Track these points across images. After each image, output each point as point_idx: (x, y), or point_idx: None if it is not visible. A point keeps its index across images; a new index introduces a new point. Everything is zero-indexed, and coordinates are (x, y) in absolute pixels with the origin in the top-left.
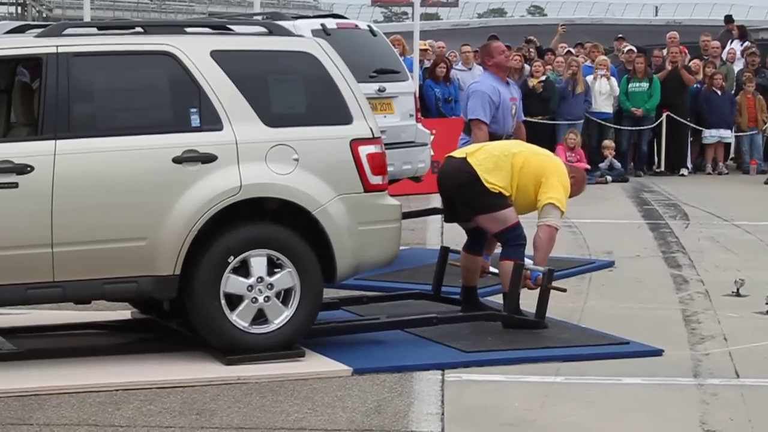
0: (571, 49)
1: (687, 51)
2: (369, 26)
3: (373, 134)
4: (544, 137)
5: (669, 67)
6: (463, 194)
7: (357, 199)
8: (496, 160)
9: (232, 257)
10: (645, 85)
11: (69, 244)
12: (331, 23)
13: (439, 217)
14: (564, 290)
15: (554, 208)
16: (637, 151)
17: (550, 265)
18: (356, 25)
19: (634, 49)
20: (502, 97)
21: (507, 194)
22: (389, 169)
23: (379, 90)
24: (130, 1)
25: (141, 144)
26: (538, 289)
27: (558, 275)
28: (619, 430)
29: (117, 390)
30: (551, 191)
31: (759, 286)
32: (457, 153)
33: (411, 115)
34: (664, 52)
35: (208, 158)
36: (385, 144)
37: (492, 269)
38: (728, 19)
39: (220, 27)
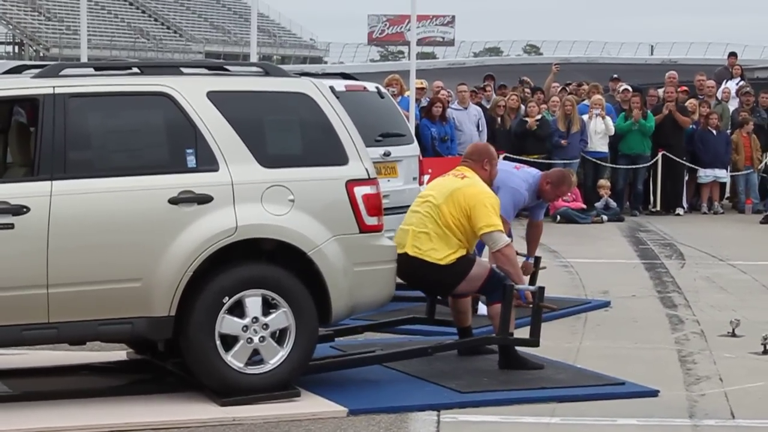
0: (566, 87)
1: (688, 90)
2: (377, 88)
3: (368, 175)
4: None
5: (665, 111)
6: (431, 283)
7: (352, 239)
8: (429, 235)
9: (227, 297)
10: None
11: (64, 285)
12: (339, 85)
13: None
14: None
15: (491, 234)
16: (633, 191)
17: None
18: (364, 87)
19: (629, 88)
20: (522, 201)
21: (464, 248)
22: (390, 234)
23: (385, 154)
24: (127, 41)
25: (137, 185)
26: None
27: (554, 315)
28: None
29: (112, 431)
30: (479, 221)
31: (754, 327)
32: (399, 249)
33: (414, 179)
34: (660, 91)
35: (204, 199)
36: (387, 209)
37: (483, 311)
38: (732, 54)
39: (217, 68)
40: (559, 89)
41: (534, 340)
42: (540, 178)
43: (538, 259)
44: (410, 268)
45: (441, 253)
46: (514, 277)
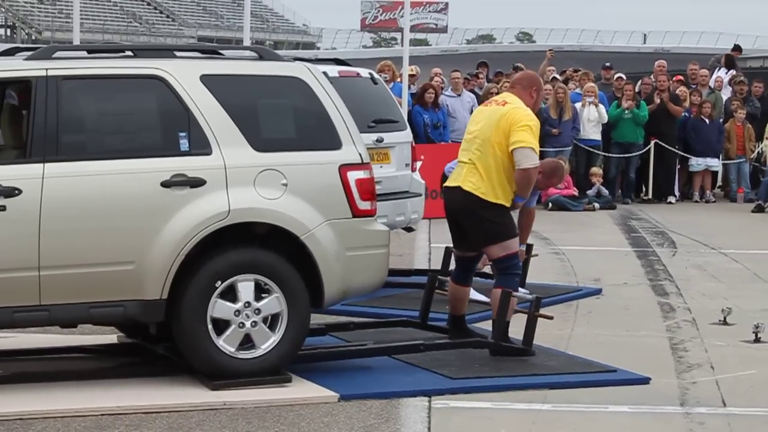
0: (557, 75)
1: (683, 80)
2: (370, 74)
3: (362, 159)
4: None
5: (657, 100)
6: (473, 223)
7: (345, 224)
8: (480, 172)
9: (219, 282)
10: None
11: (56, 267)
12: (333, 71)
13: (427, 242)
14: (551, 318)
15: (523, 149)
16: (625, 179)
17: (537, 292)
18: (358, 73)
19: (623, 76)
20: None
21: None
22: (382, 220)
23: (377, 140)
24: (119, 25)
25: (130, 168)
26: (526, 317)
27: (545, 302)
28: None
29: (103, 414)
30: (514, 136)
31: (746, 315)
32: (452, 182)
33: (407, 165)
34: (653, 79)
35: (197, 182)
36: (379, 195)
37: (473, 296)
38: (736, 47)
39: (210, 51)
40: (551, 77)
41: (526, 349)
42: None
43: (530, 246)
44: (458, 203)
45: (492, 192)
46: (524, 193)
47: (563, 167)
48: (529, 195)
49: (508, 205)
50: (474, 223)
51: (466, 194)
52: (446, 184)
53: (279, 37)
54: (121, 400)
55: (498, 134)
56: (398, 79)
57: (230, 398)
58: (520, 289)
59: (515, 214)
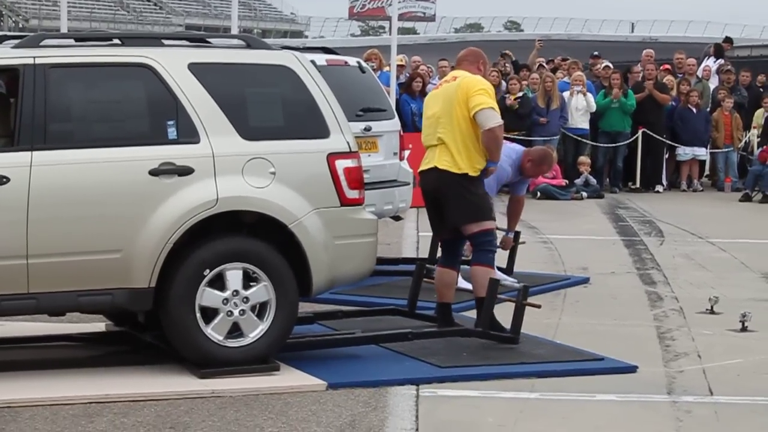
0: (544, 64)
1: (671, 69)
2: (358, 62)
3: (350, 148)
4: None
5: (646, 90)
6: (451, 198)
7: (333, 213)
8: (450, 148)
9: (207, 270)
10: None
11: (44, 255)
12: (320, 59)
13: (415, 231)
14: (538, 306)
15: (483, 111)
16: (613, 168)
17: (524, 280)
18: (346, 62)
19: (611, 65)
20: (505, 177)
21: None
22: (370, 209)
23: (365, 129)
24: (107, 13)
25: (117, 156)
26: (514, 306)
27: (533, 291)
28: None
29: (91, 402)
30: (472, 101)
31: (733, 304)
32: (426, 165)
33: (395, 154)
34: (641, 68)
35: (185, 171)
36: (367, 183)
37: (461, 284)
38: (728, 39)
39: (198, 39)
40: (537, 66)
41: (513, 337)
42: (522, 155)
43: (517, 234)
44: (435, 183)
45: (466, 161)
46: (494, 156)
47: (552, 155)
48: (500, 157)
49: (480, 173)
50: (451, 199)
51: (441, 173)
52: (420, 168)
53: (267, 26)
54: (109, 389)
55: (459, 107)
56: (386, 68)
57: (218, 386)
58: (507, 277)
59: (504, 203)
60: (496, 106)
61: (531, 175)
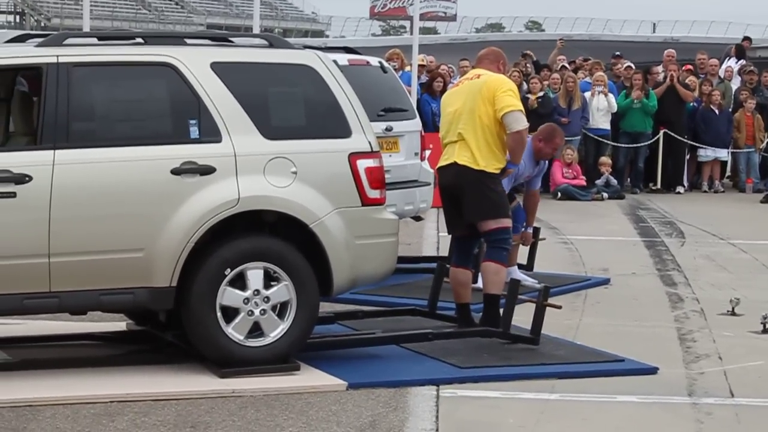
0: (566, 64)
1: (692, 69)
2: (380, 62)
3: (371, 148)
4: None
5: (667, 82)
6: (470, 194)
7: (354, 212)
8: (470, 144)
9: (228, 269)
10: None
11: (66, 254)
12: (342, 59)
13: (435, 231)
14: (559, 307)
15: (512, 113)
16: (634, 168)
17: (545, 281)
18: (367, 62)
19: (632, 65)
20: (519, 171)
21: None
22: (391, 209)
23: (387, 129)
24: (128, 12)
25: (140, 155)
26: (534, 306)
27: (554, 292)
28: None
29: (112, 401)
30: (499, 103)
31: (754, 306)
32: (445, 161)
33: (416, 154)
34: (660, 68)
35: (207, 170)
36: (388, 183)
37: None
38: (746, 39)
39: (221, 39)
40: (559, 66)
41: (534, 338)
42: (532, 142)
43: (537, 230)
44: (454, 179)
45: (485, 162)
46: (516, 158)
47: (558, 128)
48: (521, 160)
49: (499, 171)
50: (469, 194)
51: (461, 168)
52: (440, 164)
53: (288, 25)
54: (130, 388)
55: (483, 104)
56: (407, 68)
57: (239, 386)
58: (528, 278)
59: (519, 198)
60: (522, 107)
61: (548, 153)
